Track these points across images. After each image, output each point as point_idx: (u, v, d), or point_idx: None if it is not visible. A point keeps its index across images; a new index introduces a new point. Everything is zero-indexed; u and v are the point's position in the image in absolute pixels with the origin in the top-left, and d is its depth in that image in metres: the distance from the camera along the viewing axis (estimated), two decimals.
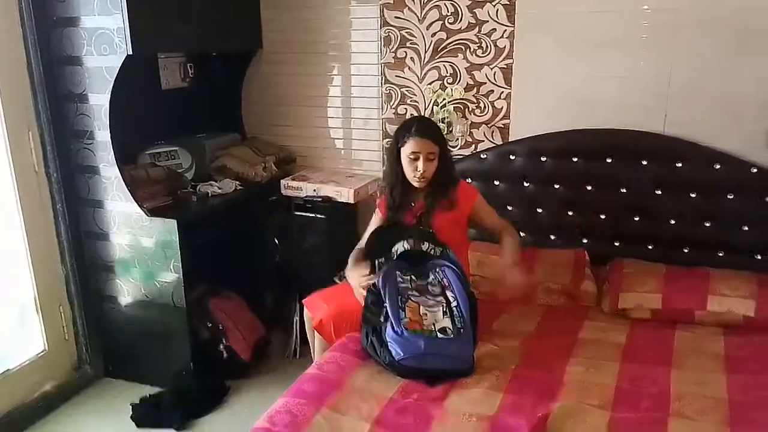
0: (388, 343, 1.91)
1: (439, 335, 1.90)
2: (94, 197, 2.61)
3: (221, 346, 2.74)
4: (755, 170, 2.43)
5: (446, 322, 1.93)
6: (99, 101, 2.46)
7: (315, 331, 2.35)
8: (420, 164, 2.19)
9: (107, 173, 2.55)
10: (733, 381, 1.85)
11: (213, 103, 3.25)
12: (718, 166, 2.47)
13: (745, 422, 1.65)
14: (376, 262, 2.10)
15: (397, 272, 2.03)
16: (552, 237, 2.76)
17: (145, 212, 2.52)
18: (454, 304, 1.98)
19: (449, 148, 2.34)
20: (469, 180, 2.79)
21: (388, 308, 1.95)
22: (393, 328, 1.91)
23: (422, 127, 2.24)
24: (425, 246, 2.11)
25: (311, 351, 2.47)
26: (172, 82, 3.02)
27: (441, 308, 1.97)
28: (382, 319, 1.96)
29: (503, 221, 2.38)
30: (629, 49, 2.55)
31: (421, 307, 1.96)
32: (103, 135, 2.49)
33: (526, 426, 1.63)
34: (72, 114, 2.53)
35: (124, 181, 2.51)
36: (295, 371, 2.08)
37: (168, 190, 2.71)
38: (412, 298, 1.98)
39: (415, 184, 2.25)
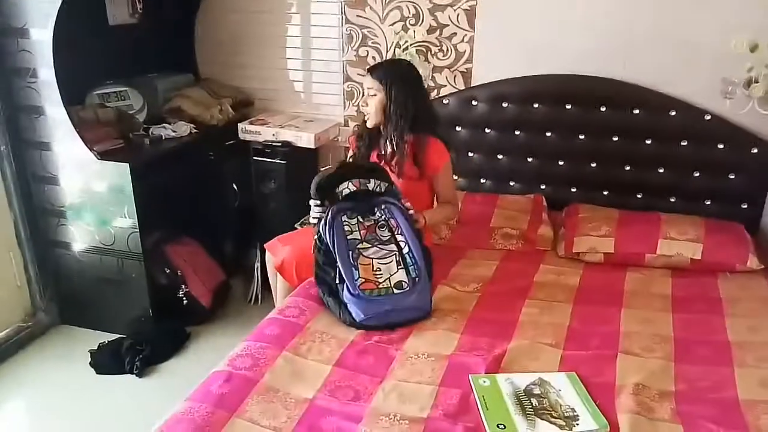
0: (347, 305, 1.88)
1: (396, 291, 1.88)
2: (40, 139, 2.49)
3: (181, 292, 2.72)
4: (709, 117, 2.48)
5: (401, 275, 1.90)
6: (41, 36, 2.31)
7: (277, 275, 2.35)
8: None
9: (53, 114, 2.42)
10: (679, 320, 1.94)
11: (164, 41, 3.09)
12: (673, 113, 2.51)
13: (688, 358, 1.74)
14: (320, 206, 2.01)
15: (343, 217, 1.95)
16: (511, 183, 2.79)
17: (95, 155, 2.43)
18: (405, 250, 1.93)
19: (406, 93, 2.14)
20: None
21: (341, 270, 1.89)
22: (349, 290, 1.87)
23: (374, 65, 2.28)
24: (371, 184, 2.00)
25: (273, 296, 2.48)
26: (120, 17, 2.85)
27: (394, 258, 1.92)
28: (337, 281, 1.91)
29: (453, 197, 2.29)
30: None
31: (374, 261, 1.91)
32: (47, 73, 2.36)
33: (483, 364, 1.68)
34: (13, 50, 2.38)
35: (71, 122, 2.40)
36: (257, 317, 2.08)
37: (119, 133, 2.60)
38: (363, 253, 1.91)
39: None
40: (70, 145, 2.44)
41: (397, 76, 2.17)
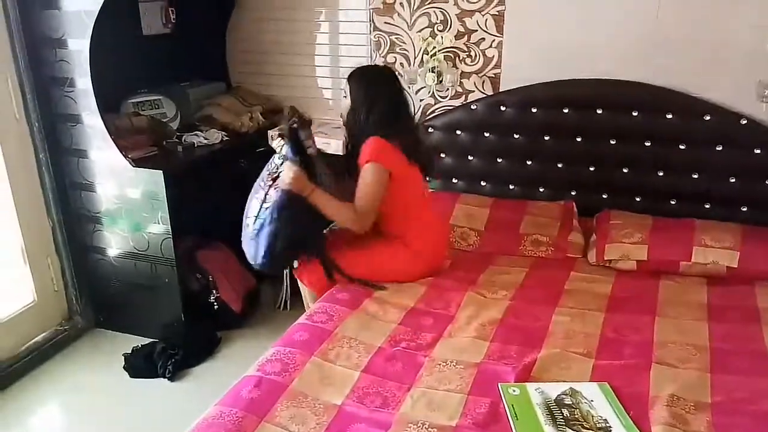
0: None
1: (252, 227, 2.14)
2: (77, 146, 2.56)
3: (212, 298, 2.76)
4: (744, 122, 2.42)
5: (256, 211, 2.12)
6: (78, 47, 2.38)
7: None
8: None
9: (90, 122, 2.49)
10: (715, 329, 1.90)
11: (196, 51, 3.15)
12: (707, 118, 2.46)
13: (725, 369, 1.70)
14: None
15: (259, 180, 2.18)
16: (541, 189, 2.76)
17: (130, 162, 2.48)
18: (266, 205, 2.08)
19: (360, 96, 2.16)
20: (458, 132, 2.77)
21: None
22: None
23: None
24: (274, 130, 2.26)
25: (304, 302, 2.50)
26: (154, 27, 2.92)
27: (258, 201, 2.12)
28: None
29: (360, 203, 2.07)
30: None
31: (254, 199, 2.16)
32: (84, 82, 2.42)
33: (512, 372, 1.67)
34: (51, 60, 2.46)
35: (107, 130, 2.46)
36: (286, 322, 2.10)
37: (153, 140, 2.66)
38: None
39: None
40: (106, 152, 2.50)
41: (360, 79, 2.18)
